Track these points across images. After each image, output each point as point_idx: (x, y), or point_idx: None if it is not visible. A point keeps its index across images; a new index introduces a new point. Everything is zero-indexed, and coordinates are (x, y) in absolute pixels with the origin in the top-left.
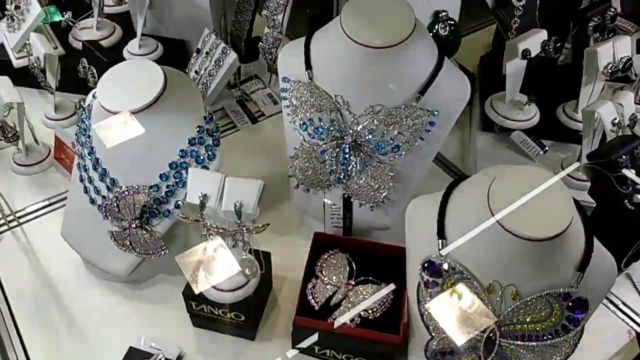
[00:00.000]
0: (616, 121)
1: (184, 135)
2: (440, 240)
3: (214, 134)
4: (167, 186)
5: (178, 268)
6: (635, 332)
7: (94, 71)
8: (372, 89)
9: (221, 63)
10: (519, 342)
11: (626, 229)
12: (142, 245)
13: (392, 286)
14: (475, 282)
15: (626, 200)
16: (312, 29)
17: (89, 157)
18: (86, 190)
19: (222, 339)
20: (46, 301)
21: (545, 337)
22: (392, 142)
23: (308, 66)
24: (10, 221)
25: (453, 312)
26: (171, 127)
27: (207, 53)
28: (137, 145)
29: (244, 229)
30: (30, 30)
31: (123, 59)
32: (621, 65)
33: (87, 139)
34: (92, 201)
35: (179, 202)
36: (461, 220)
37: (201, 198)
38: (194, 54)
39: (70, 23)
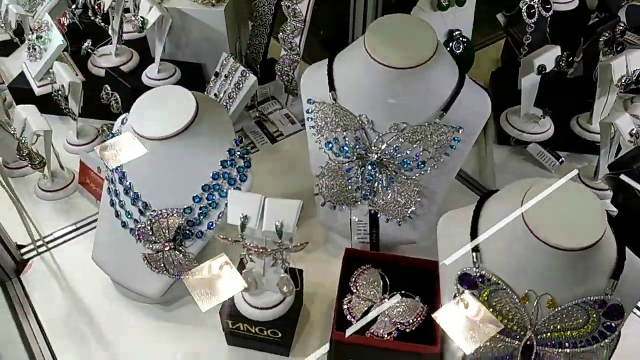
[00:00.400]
0: (633, 132)
1: (216, 158)
2: (474, 253)
3: (245, 155)
4: (200, 208)
5: None
6: None
7: (118, 97)
8: (395, 108)
9: (241, 86)
10: (557, 350)
11: None
12: (176, 266)
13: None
14: (510, 292)
15: None
16: (326, 50)
17: (120, 182)
18: (117, 215)
19: (257, 356)
20: (79, 325)
21: (582, 344)
22: (417, 158)
23: (332, 87)
24: (39, 246)
25: (460, 320)
26: (203, 151)
27: (225, 76)
28: (170, 170)
29: (284, 248)
30: (53, 59)
31: (143, 84)
32: (634, 78)
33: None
34: (124, 225)
35: (212, 223)
36: (494, 232)
37: (242, 219)
38: (213, 77)
39: (89, 50)
